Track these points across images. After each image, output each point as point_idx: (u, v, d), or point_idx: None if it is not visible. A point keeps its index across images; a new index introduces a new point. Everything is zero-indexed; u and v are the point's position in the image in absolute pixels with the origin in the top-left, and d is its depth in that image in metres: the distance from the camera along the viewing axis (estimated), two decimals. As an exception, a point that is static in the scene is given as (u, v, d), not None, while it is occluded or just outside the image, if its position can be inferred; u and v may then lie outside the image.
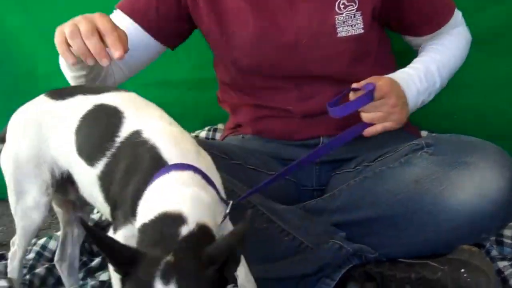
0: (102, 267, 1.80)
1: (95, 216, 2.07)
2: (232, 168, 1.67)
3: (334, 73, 1.72)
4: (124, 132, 1.29)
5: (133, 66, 1.78)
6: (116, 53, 1.33)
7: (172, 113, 1.55)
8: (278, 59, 1.71)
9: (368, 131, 1.58)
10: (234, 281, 1.34)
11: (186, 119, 1.65)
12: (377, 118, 1.58)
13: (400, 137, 1.77)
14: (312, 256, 1.51)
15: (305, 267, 1.51)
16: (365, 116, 1.58)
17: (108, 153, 1.28)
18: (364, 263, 1.54)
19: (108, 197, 1.29)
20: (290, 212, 1.59)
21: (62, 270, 1.67)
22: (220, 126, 2.32)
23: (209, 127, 2.35)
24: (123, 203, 1.22)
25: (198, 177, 1.19)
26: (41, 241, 1.91)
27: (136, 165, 1.22)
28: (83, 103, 1.39)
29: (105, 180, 1.29)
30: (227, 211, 1.23)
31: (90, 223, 2.02)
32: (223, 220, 1.22)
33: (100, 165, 1.29)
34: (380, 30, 1.79)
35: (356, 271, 1.53)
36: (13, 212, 1.47)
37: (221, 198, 1.23)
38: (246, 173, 1.71)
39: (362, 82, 1.58)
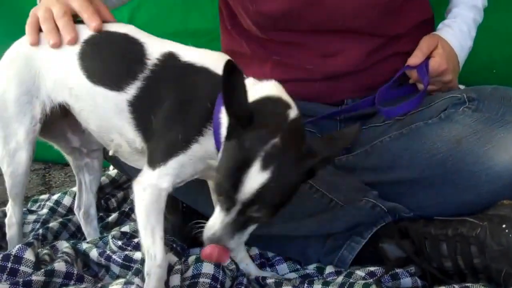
0: (119, 222, 1.76)
1: (111, 172, 2.02)
2: None
3: (360, 27, 1.61)
4: (155, 54, 1.27)
5: None
6: (92, 25, 1.35)
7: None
8: (304, 7, 1.59)
9: None
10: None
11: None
12: (430, 90, 1.59)
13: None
14: (343, 214, 1.44)
15: (335, 225, 1.45)
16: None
17: (141, 76, 1.25)
18: (396, 221, 1.46)
19: (143, 124, 1.26)
20: (320, 168, 1.51)
21: (80, 218, 1.66)
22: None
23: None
24: (177, 128, 1.20)
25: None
26: (55, 196, 1.88)
27: (193, 89, 1.22)
28: (80, 31, 1.36)
29: (140, 105, 1.25)
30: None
31: (107, 180, 1.97)
32: None
33: (132, 89, 1.25)
34: None
35: (388, 228, 1.45)
36: None
37: None
38: None
39: (416, 60, 1.56)
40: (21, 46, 1.42)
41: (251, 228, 1.14)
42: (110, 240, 1.51)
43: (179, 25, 2.27)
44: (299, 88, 1.59)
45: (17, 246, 1.34)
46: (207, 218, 1.50)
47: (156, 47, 1.29)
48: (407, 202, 1.47)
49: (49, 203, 1.84)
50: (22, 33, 1.43)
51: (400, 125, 1.55)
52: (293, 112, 1.12)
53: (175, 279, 1.29)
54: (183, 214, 1.56)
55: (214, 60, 1.23)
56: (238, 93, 1.06)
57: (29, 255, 1.32)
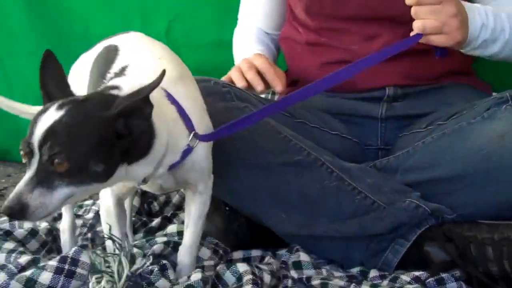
0: (162, 227, 1.77)
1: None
2: (296, 127, 1.62)
3: (398, 16, 1.62)
4: (115, 68, 1.28)
5: None
6: (277, 87, 1.64)
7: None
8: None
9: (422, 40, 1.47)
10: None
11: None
12: (429, 27, 1.45)
13: (472, 94, 1.68)
14: (385, 215, 1.44)
15: (378, 226, 1.44)
16: (416, 24, 1.46)
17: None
18: (440, 224, 1.45)
19: None
20: (361, 170, 1.52)
21: None
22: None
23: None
24: None
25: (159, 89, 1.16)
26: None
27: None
28: (98, 47, 1.40)
29: None
30: (189, 138, 1.22)
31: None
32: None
33: None
34: None
35: (432, 232, 1.44)
36: None
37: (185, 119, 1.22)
38: (310, 132, 1.65)
39: None
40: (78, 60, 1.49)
41: (60, 190, 1.04)
42: None
43: (215, 36, 2.31)
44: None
45: (73, 249, 1.36)
46: (252, 220, 1.53)
47: (122, 60, 1.30)
48: (449, 201, 1.46)
49: (95, 207, 1.87)
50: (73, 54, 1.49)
51: (442, 128, 1.55)
52: (117, 91, 1.15)
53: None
54: (227, 217, 1.57)
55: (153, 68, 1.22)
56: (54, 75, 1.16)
57: (84, 257, 1.33)
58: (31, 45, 2.57)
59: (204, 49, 2.36)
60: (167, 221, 1.82)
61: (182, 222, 1.61)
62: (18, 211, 1.02)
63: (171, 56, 1.36)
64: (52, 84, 1.15)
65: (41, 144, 1.04)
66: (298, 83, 1.79)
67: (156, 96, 1.13)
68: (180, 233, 1.60)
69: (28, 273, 1.30)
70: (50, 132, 1.04)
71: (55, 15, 2.55)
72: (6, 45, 2.67)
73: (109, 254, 1.24)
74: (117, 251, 1.23)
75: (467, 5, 1.51)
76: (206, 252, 1.48)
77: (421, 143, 1.53)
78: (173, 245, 1.47)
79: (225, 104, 1.47)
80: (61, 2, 2.53)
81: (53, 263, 1.32)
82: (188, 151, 1.22)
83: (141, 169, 1.16)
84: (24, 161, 1.07)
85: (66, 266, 1.31)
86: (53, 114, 1.06)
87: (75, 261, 1.32)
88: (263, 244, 1.57)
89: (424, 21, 1.45)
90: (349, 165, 1.52)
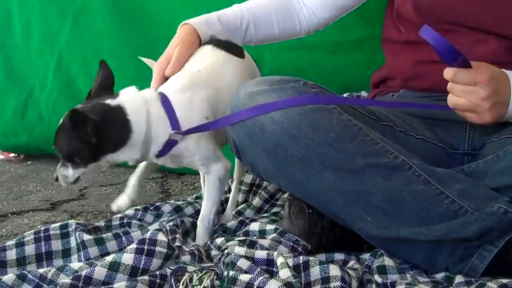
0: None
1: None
2: (382, 130, 1.61)
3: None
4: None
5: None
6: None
7: (307, 78, 1.60)
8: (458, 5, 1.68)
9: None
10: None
11: (322, 84, 1.62)
12: (460, 105, 1.50)
13: None
14: (473, 220, 1.41)
15: (465, 231, 1.41)
16: (449, 99, 1.51)
17: None
18: (528, 230, 1.41)
19: None
20: (449, 174, 1.49)
21: None
22: (363, 93, 2.23)
23: (348, 93, 2.25)
24: None
25: (155, 95, 1.63)
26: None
27: None
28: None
29: None
30: (170, 134, 1.60)
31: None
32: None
33: None
34: None
35: (520, 238, 1.40)
36: None
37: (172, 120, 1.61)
38: (396, 136, 1.64)
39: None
40: None
41: (70, 169, 1.59)
42: None
43: (296, 40, 2.32)
44: (436, 68, 1.58)
45: (149, 232, 1.47)
46: (335, 222, 1.53)
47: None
48: None
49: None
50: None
51: None
52: (112, 103, 1.57)
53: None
54: (309, 219, 1.57)
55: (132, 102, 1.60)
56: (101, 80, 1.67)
57: (162, 237, 1.45)
58: (115, 46, 2.67)
59: (285, 52, 2.38)
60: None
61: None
62: (55, 179, 1.62)
63: (214, 70, 1.74)
64: (95, 88, 1.65)
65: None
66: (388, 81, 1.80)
67: (147, 98, 1.60)
68: (261, 232, 1.64)
69: (109, 258, 1.39)
70: (56, 134, 1.57)
71: (140, 17, 2.63)
72: (91, 45, 2.77)
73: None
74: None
75: None
76: (282, 250, 1.51)
77: (512, 147, 1.50)
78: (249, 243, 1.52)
79: (313, 105, 1.48)
80: (148, 5, 2.60)
81: (132, 246, 1.42)
82: (172, 143, 1.60)
83: (126, 155, 1.59)
84: None
85: (146, 247, 1.41)
86: (63, 119, 1.55)
87: (153, 241, 1.43)
88: (345, 247, 1.57)
89: (457, 99, 1.50)
90: (437, 169, 1.49)
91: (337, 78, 2.39)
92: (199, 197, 2.02)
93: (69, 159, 1.57)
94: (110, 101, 1.56)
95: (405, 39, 1.81)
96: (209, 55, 1.76)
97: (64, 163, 1.59)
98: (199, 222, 1.69)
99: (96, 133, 1.50)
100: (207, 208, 1.69)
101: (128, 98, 1.58)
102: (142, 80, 1.74)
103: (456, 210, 1.42)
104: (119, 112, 1.55)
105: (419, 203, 1.43)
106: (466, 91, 1.48)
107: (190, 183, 2.56)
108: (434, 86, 1.58)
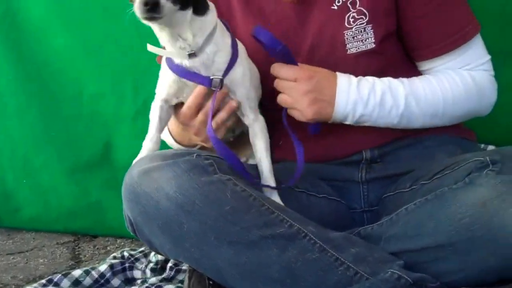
0: None
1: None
2: (282, 193, 1.63)
3: None
4: None
5: None
6: None
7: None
8: None
9: None
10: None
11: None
12: (283, 101, 1.62)
13: (454, 144, 1.71)
14: (368, 286, 1.41)
15: (360, 299, 1.42)
16: (278, 97, 1.63)
17: None
18: (424, 294, 1.43)
19: None
20: (346, 239, 1.49)
21: None
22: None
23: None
24: None
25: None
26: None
27: None
28: None
29: None
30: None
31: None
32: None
33: None
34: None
35: (416, 301, 1.42)
36: None
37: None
38: (296, 197, 1.68)
39: None
40: None
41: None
42: None
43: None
44: (318, 140, 1.70)
45: None
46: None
47: None
48: (433, 270, 1.44)
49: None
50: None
51: (426, 190, 1.55)
52: None
53: None
54: (210, 291, 1.55)
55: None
56: None
57: None
58: (20, 106, 2.54)
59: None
60: None
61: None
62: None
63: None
64: None
65: None
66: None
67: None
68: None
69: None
70: None
71: (46, 75, 2.56)
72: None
73: None
74: None
75: (342, 83, 1.59)
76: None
77: (404, 210, 1.52)
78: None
79: (207, 178, 1.47)
80: (52, 63, 2.55)
81: None
82: (233, 61, 1.56)
83: (197, 27, 1.52)
84: None
85: None
86: None
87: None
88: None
89: (280, 96, 1.60)
90: (333, 234, 1.49)
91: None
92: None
93: None
94: None
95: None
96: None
97: None
98: (269, 179, 1.62)
99: None
100: (270, 164, 1.63)
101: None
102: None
103: (351, 276, 1.42)
104: None
105: (315, 272, 1.42)
106: (287, 87, 1.58)
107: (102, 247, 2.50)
108: (325, 155, 1.64)
